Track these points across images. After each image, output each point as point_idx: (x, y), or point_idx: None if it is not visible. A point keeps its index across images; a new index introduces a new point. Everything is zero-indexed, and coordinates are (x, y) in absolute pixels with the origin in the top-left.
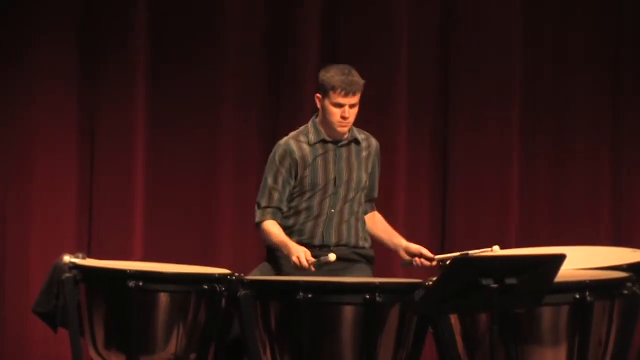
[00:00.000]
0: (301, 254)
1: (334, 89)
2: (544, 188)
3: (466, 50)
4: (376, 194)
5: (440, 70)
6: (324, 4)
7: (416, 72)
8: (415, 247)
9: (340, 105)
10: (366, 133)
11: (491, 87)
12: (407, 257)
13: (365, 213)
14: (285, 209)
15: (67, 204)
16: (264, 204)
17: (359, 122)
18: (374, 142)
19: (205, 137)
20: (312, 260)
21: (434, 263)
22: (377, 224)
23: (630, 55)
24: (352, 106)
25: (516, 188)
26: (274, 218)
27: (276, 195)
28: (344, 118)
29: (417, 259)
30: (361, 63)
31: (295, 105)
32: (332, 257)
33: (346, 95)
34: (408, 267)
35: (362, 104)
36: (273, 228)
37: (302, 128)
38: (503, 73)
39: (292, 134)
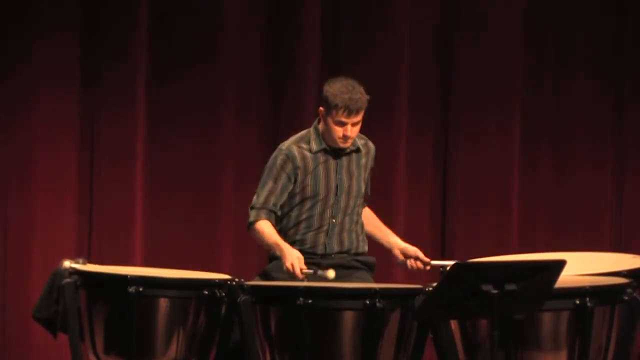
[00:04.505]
0: (295, 261)
1: (336, 107)
2: (545, 193)
3: (467, 56)
4: (369, 191)
5: (441, 75)
6: (324, 5)
7: (417, 76)
8: (412, 250)
9: (342, 124)
10: (364, 137)
11: (492, 91)
12: (401, 257)
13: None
14: (279, 213)
15: (67, 208)
16: (259, 204)
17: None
18: (371, 146)
19: (205, 141)
20: (305, 269)
21: (428, 267)
22: (368, 219)
23: (633, 60)
24: (354, 124)
25: (516, 193)
26: (268, 219)
27: (272, 199)
28: (345, 137)
29: (411, 260)
30: (361, 64)
31: (296, 107)
32: (331, 274)
33: (349, 115)
34: (409, 271)
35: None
36: (267, 228)
37: (303, 133)
38: (504, 77)
39: (293, 138)
